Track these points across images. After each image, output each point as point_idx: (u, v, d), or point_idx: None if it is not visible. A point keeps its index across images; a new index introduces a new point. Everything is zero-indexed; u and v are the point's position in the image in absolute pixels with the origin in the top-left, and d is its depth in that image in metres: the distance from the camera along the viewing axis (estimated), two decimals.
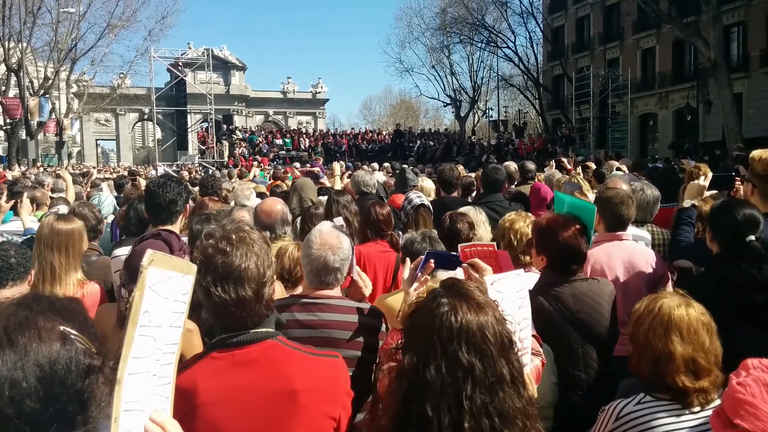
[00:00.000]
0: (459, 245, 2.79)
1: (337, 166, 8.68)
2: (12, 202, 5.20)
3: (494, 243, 2.89)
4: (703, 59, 24.22)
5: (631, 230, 3.64)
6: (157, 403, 1.36)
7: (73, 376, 1.07)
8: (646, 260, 3.38)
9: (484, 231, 3.88)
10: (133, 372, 1.27)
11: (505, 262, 2.84)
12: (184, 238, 3.38)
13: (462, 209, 4.00)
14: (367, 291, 2.74)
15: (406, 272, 2.36)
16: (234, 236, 1.78)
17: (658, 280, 3.35)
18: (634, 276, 3.32)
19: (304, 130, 37.67)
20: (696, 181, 3.89)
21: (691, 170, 5.91)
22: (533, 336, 2.19)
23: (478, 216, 3.92)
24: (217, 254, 1.74)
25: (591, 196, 4.78)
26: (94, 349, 1.12)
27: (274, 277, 1.87)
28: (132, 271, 3.10)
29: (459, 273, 2.23)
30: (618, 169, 8.26)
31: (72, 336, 1.09)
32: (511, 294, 1.77)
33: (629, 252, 3.41)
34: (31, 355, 1.04)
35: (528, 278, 3.22)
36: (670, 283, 3.44)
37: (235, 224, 1.87)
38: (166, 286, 1.39)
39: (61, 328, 1.09)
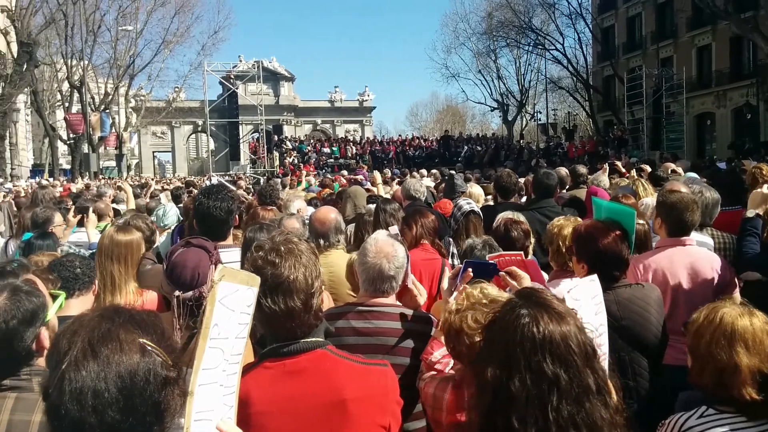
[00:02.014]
0: (486, 256, 2.76)
1: (378, 175, 8.70)
2: (79, 217, 5.40)
3: (521, 252, 2.84)
4: (762, 55, 23.14)
5: (692, 235, 3.48)
6: (222, 411, 1.40)
7: (152, 387, 1.10)
8: (712, 266, 3.24)
9: None
10: (203, 383, 1.31)
11: (534, 270, 2.78)
12: (231, 250, 3.45)
13: (501, 214, 3.92)
14: (422, 299, 2.73)
15: (445, 282, 2.35)
16: (283, 248, 1.82)
17: (725, 286, 3.21)
18: (698, 283, 3.19)
19: (351, 138, 37.99)
20: (759, 190, 3.75)
21: (752, 171, 5.63)
22: None
23: None
24: (266, 266, 1.78)
25: (651, 199, 4.59)
26: (170, 362, 1.16)
27: (323, 287, 1.90)
28: (173, 279, 3.19)
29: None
30: (673, 171, 7.95)
31: (150, 348, 1.13)
32: (587, 301, 1.74)
33: (693, 258, 3.27)
34: (113, 367, 1.08)
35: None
36: (737, 290, 3.29)
37: (283, 236, 1.91)
38: (233, 299, 1.44)
39: (141, 340, 1.13)
